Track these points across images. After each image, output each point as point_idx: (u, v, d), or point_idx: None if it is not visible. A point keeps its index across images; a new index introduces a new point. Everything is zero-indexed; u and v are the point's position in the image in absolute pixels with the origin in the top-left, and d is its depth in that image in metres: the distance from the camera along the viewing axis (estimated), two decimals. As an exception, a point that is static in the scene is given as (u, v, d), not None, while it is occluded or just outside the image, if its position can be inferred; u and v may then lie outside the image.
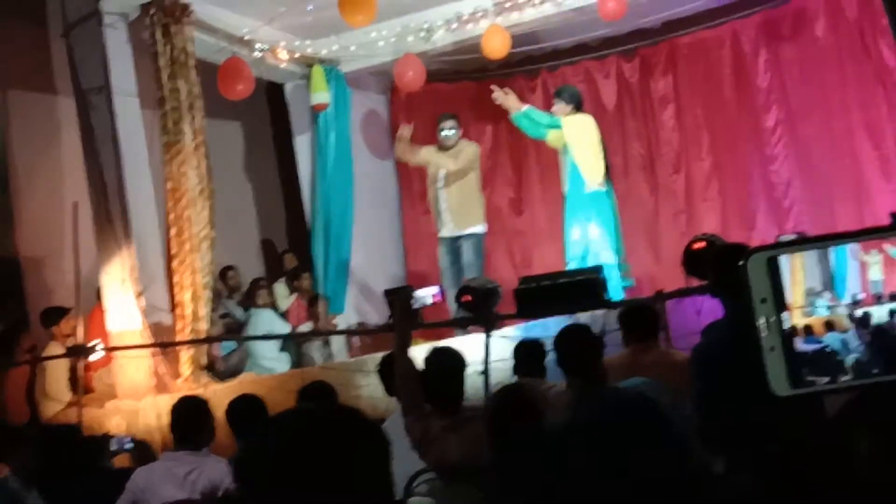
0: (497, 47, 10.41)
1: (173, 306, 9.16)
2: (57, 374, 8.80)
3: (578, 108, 10.19)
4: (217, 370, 9.47)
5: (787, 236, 10.40)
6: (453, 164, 10.23)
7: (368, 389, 7.61)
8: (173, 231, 9.19)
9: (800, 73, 11.93)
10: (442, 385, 4.76)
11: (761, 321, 1.22)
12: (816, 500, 2.48)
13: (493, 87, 10.45)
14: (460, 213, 10.25)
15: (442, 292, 10.11)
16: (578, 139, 9.98)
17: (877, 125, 11.51)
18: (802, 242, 1.27)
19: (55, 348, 8.86)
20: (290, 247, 12.38)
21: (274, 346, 10.20)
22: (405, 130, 10.72)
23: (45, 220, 10.14)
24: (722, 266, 4.07)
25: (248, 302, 10.66)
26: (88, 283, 9.00)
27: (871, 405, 1.68)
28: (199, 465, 5.01)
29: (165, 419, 5.59)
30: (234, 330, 10.27)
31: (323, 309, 10.72)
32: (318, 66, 11.33)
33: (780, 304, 1.22)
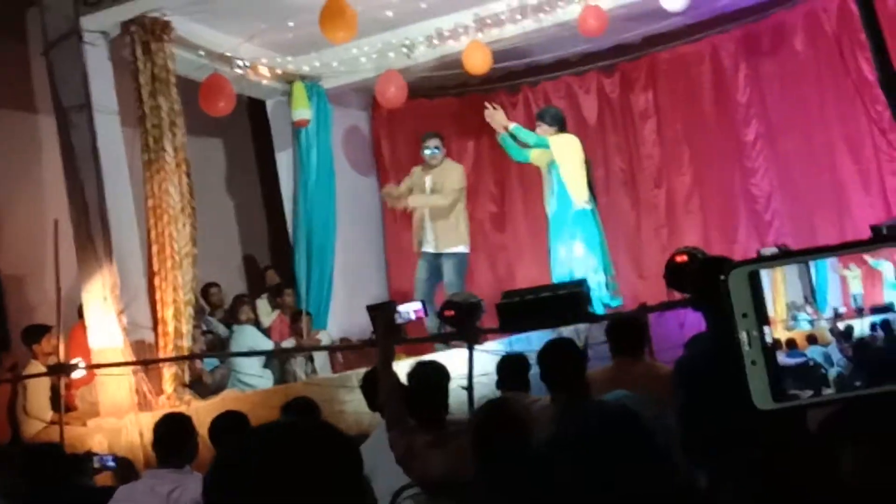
0: (478, 63, 10.43)
1: (155, 324, 9.13)
2: (38, 392, 8.75)
3: (562, 128, 10.15)
4: (203, 385, 9.44)
5: (769, 249, 10.44)
6: (443, 200, 10.15)
7: (352, 405, 7.60)
8: (155, 248, 9.17)
9: (779, 87, 11.99)
10: (426, 399, 4.75)
11: (743, 335, 1.22)
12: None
13: (486, 104, 10.44)
14: (444, 232, 10.19)
15: (424, 308, 10.08)
16: (566, 157, 9.94)
17: (856, 139, 11.57)
18: (783, 256, 1.28)
19: (36, 367, 8.81)
20: (273, 263, 12.37)
21: (257, 362, 10.16)
22: (391, 189, 10.66)
23: (26, 237, 10.11)
24: (704, 279, 4.08)
25: (231, 319, 10.64)
26: (70, 300, 8.96)
27: (854, 417, 1.70)
28: (182, 483, 4.98)
29: (148, 437, 5.59)
30: (217, 347, 10.23)
31: (306, 325, 10.69)
32: (299, 82, 11.35)
33: (762, 318, 1.23)
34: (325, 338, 11.00)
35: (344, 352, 11.10)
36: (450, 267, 10.11)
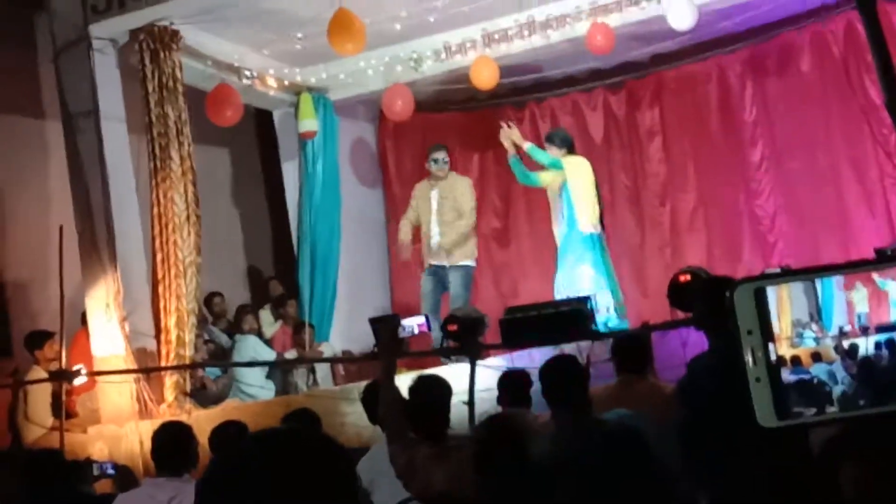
0: (486, 78, 10.43)
1: (157, 332, 9.13)
2: (39, 398, 8.74)
3: (571, 150, 10.11)
4: (204, 394, 9.44)
5: (773, 271, 10.43)
6: (467, 225, 10.10)
7: (353, 417, 7.59)
8: (159, 256, 9.17)
9: (785, 108, 11.98)
10: (427, 414, 4.74)
11: (748, 352, 1.22)
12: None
13: (501, 122, 10.41)
14: (453, 247, 10.13)
15: (428, 322, 10.05)
16: (579, 180, 9.88)
17: (862, 161, 11.56)
18: (789, 274, 1.28)
19: (38, 372, 8.81)
20: (277, 274, 12.37)
21: (259, 373, 10.15)
22: (406, 241, 10.51)
23: (30, 243, 10.12)
24: (707, 298, 4.08)
25: (234, 328, 10.63)
26: (73, 307, 8.97)
27: (857, 436, 1.69)
28: (182, 492, 4.95)
29: (148, 445, 5.57)
30: (219, 356, 10.23)
31: (308, 336, 10.68)
32: (306, 93, 11.36)
33: (767, 336, 1.22)
34: (327, 350, 10.99)
35: (346, 364, 11.09)
36: (457, 279, 10.06)
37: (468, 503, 4.08)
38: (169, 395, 8.91)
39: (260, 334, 10.69)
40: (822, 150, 11.75)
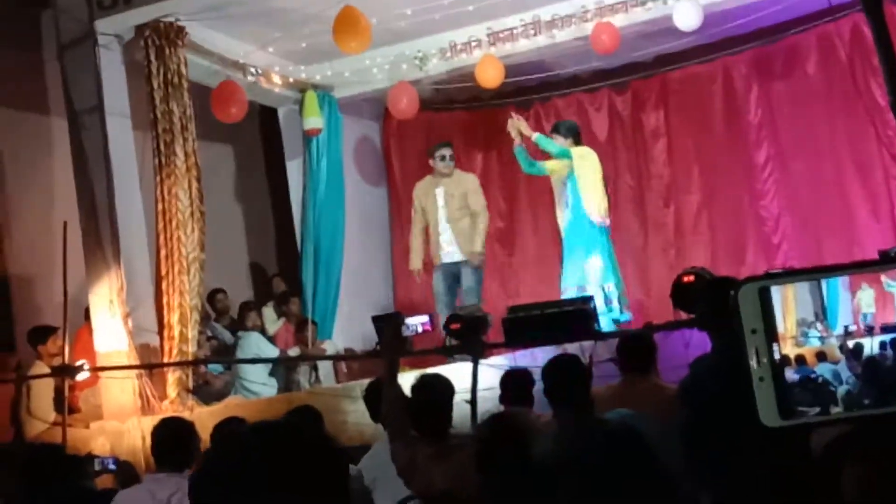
0: (491, 77, 10.44)
1: (161, 328, 9.14)
2: (42, 393, 8.75)
3: (577, 141, 10.12)
4: (207, 391, 9.44)
5: (777, 271, 10.42)
6: (482, 221, 10.13)
7: (355, 415, 7.58)
8: (163, 253, 9.18)
9: (791, 109, 11.98)
10: (429, 412, 4.73)
11: (752, 351, 1.21)
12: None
13: (511, 114, 10.43)
14: (465, 241, 10.11)
15: (432, 321, 10.05)
16: (587, 170, 9.90)
17: (866, 163, 11.56)
18: (794, 273, 1.27)
19: (41, 367, 8.81)
20: (280, 271, 12.37)
21: (262, 370, 10.14)
22: (418, 268, 10.49)
23: (34, 239, 10.13)
24: (711, 299, 4.07)
25: (237, 325, 10.63)
26: (76, 302, 8.98)
27: (862, 436, 1.68)
28: (182, 488, 4.93)
29: (150, 441, 5.56)
30: (222, 353, 10.23)
31: (311, 334, 10.68)
32: (311, 91, 11.36)
33: (771, 335, 1.21)
34: (329, 347, 10.98)
35: (348, 362, 11.09)
36: (469, 272, 10.05)
37: (469, 502, 4.08)
38: (171, 391, 8.91)
39: (263, 331, 10.68)
40: (827, 152, 11.75)
